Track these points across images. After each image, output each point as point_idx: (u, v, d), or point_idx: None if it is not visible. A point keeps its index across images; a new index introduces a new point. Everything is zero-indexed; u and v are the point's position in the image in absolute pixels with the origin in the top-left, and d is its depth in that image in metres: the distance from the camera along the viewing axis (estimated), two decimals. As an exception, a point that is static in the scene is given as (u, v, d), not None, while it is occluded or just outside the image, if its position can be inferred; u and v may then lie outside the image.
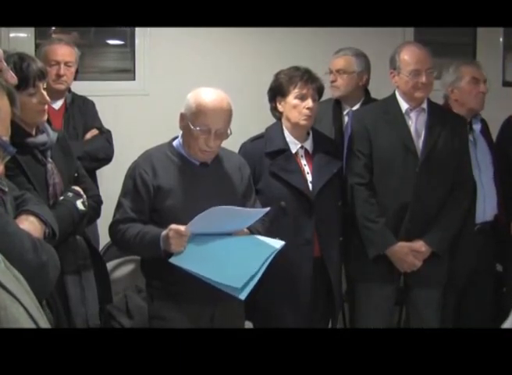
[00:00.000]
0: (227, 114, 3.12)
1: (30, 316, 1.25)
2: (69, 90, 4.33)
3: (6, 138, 1.53)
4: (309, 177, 3.61)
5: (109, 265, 3.88)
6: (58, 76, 4.17)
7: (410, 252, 3.71)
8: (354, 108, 4.44)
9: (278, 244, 3.13)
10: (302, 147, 3.65)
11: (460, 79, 4.16)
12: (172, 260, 2.94)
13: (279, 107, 3.63)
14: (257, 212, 3.14)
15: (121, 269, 4.21)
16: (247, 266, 2.98)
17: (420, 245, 3.72)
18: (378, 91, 4.37)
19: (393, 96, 3.86)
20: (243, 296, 2.92)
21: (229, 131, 3.14)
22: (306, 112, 3.54)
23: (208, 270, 2.91)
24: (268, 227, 3.30)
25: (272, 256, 3.05)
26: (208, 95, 3.11)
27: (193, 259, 2.94)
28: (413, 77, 3.74)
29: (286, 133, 3.63)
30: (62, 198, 2.89)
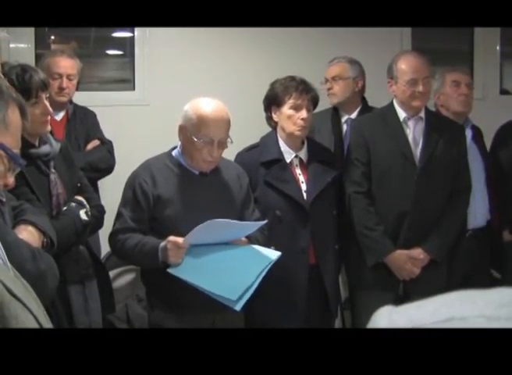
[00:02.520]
0: (227, 123, 3.15)
1: (39, 324, 1.27)
2: (70, 101, 4.35)
3: (17, 151, 1.56)
4: (304, 186, 3.61)
5: (110, 274, 3.89)
6: (61, 89, 4.20)
7: (409, 260, 3.72)
8: (352, 115, 4.46)
9: (274, 255, 3.15)
10: (297, 156, 3.65)
11: (442, 84, 4.22)
12: (170, 270, 2.96)
13: (274, 117, 3.64)
14: (255, 225, 3.17)
15: (121, 278, 4.23)
16: (242, 277, 3.00)
17: (418, 253, 3.73)
18: (375, 99, 4.39)
19: (391, 105, 3.88)
20: (238, 307, 2.94)
21: (229, 140, 3.16)
22: (300, 122, 3.55)
23: (205, 281, 2.94)
24: (266, 236, 3.33)
25: (268, 267, 3.07)
26: (208, 106, 3.14)
27: (191, 270, 2.97)
28: (410, 86, 3.76)
29: (281, 143, 3.64)
30: (65, 208, 2.91)
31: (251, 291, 2.97)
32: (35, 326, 1.27)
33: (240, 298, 2.94)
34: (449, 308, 0.86)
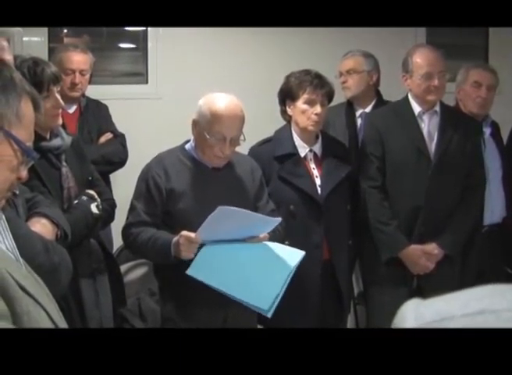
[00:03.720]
0: (241, 121, 3.12)
1: (51, 320, 1.26)
2: (83, 94, 4.34)
3: (30, 144, 1.55)
4: (318, 181, 3.58)
5: (122, 268, 3.89)
6: (74, 84, 4.19)
7: (423, 255, 3.70)
8: (367, 109, 4.43)
9: (299, 255, 3.10)
10: (311, 150, 3.62)
11: (465, 80, 4.19)
12: (191, 273, 2.90)
13: (288, 110, 3.61)
14: (271, 221, 3.09)
15: (134, 272, 4.23)
16: (271, 284, 2.96)
17: (432, 248, 3.71)
18: (390, 94, 4.37)
19: (406, 99, 3.85)
20: (270, 314, 2.92)
21: (242, 137, 3.14)
22: (314, 117, 3.52)
23: (233, 288, 2.89)
24: (284, 228, 3.28)
25: (295, 269, 3.03)
26: (222, 103, 3.10)
27: (214, 272, 2.91)
28: (425, 80, 3.73)
29: (295, 137, 3.61)
30: (76, 201, 2.90)
31: (280, 296, 2.94)
32: (47, 322, 1.27)
33: (272, 305, 2.91)
34: (479, 302, 0.84)
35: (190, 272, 2.90)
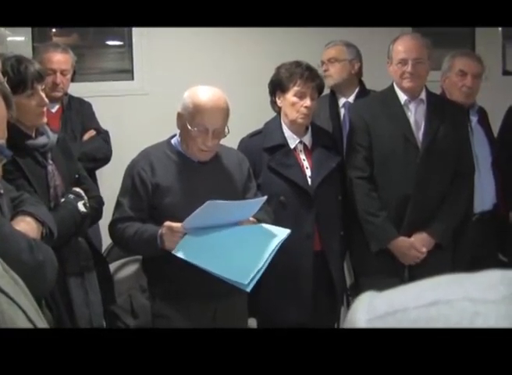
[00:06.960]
0: (224, 113, 3.10)
1: (29, 319, 1.24)
2: (65, 93, 4.32)
3: (2, 141, 1.53)
4: (308, 172, 3.59)
5: (113, 265, 3.87)
6: (55, 84, 4.17)
7: (412, 246, 3.70)
8: (350, 99, 4.43)
9: (283, 233, 3.10)
10: (301, 142, 3.62)
11: (450, 69, 4.17)
12: (176, 253, 2.91)
13: (278, 102, 3.61)
14: (256, 202, 3.10)
15: (125, 269, 4.21)
16: (252, 259, 2.95)
17: (421, 245, 3.70)
18: (374, 84, 4.35)
19: (391, 88, 3.84)
20: (249, 289, 2.90)
21: (226, 130, 3.12)
22: (304, 110, 3.51)
23: (214, 264, 2.89)
24: (273, 219, 3.29)
25: (278, 246, 3.03)
26: (205, 95, 3.09)
27: (198, 252, 2.92)
28: (400, 66, 3.73)
29: (285, 128, 3.60)
30: (63, 200, 2.89)
31: (261, 272, 2.93)
32: (24, 321, 1.24)
33: (251, 280, 2.90)
34: (434, 292, 0.80)
35: (174, 252, 2.91)
